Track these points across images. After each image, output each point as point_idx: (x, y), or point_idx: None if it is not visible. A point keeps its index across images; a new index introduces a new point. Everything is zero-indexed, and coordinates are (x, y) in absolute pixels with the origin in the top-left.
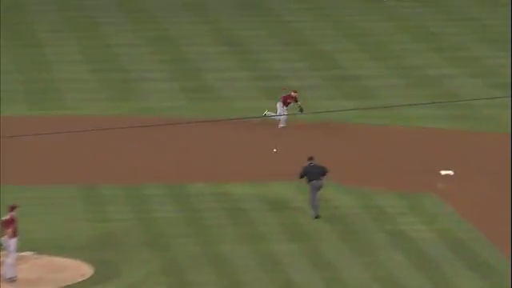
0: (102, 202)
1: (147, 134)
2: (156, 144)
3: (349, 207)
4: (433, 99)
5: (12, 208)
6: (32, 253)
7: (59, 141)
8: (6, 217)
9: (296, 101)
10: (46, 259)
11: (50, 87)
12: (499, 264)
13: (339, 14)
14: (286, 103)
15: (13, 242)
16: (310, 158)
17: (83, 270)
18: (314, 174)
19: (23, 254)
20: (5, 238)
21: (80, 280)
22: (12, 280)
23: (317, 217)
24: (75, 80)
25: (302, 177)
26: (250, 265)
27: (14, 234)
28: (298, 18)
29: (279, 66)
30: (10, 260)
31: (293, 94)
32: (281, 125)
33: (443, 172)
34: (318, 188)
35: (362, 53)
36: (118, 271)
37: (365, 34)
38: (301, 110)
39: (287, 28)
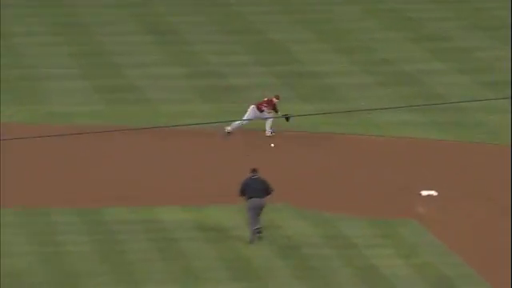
0: None
1: (52, 145)
2: (64, 158)
3: (306, 236)
4: (411, 102)
5: None
6: None
7: None
8: None
9: (275, 110)
10: None
11: None
12: None
13: None
14: (260, 109)
15: None
16: (253, 170)
17: None
18: (254, 189)
19: None
20: None
21: None
22: None
23: (258, 232)
24: None
25: (243, 193)
26: None
27: None
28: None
29: (219, 60)
30: None
31: (274, 100)
32: (228, 128)
33: (424, 192)
34: (259, 209)
35: (321, 43)
36: None
37: (324, 20)
38: (287, 119)
39: (228, 13)
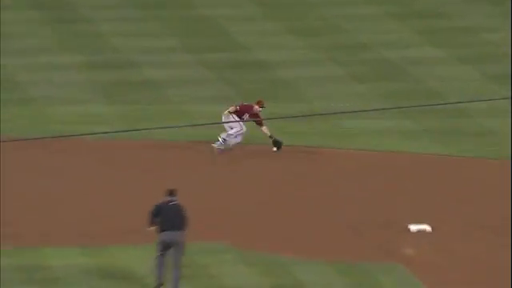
0: None
1: None
2: None
3: None
4: (395, 102)
5: None
6: None
7: None
8: None
9: (259, 122)
10: None
11: None
12: None
13: None
14: (239, 114)
15: None
16: (171, 193)
17: None
18: (171, 219)
19: None
20: None
21: None
22: None
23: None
24: None
25: (154, 222)
26: None
27: None
28: None
29: (130, 45)
30: None
31: (256, 107)
32: (219, 141)
33: (414, 227)
34: (177, 246)
35: (272, 22)
36: None
37: None
38: (277, 146)
39: None
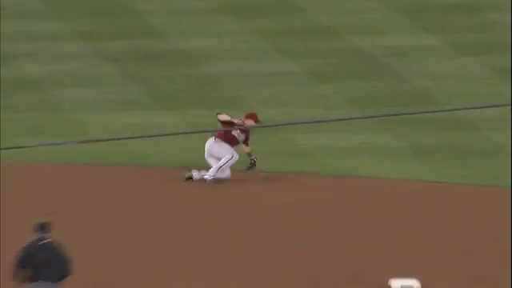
0: None
1: None
2: None
3: None
4: (372, 109)
5: None
6: None
7: None
8: None
9: (246, 140)
10: None
11: None
12: None
13: None
14: (230, 138)
15: None
16: (42, 228)
17: None
18: (44, 264)
19: None
20: None
21: None
22: None
23: None
24: None
25: (21, 272)
26: None
27: None
28: None
29: (13, 29)
30: None
31: (249, 122)
32: (208, 175)
33: (397, 283)
34: None
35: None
36: None
37: None
38: (252, 164)
39: None
